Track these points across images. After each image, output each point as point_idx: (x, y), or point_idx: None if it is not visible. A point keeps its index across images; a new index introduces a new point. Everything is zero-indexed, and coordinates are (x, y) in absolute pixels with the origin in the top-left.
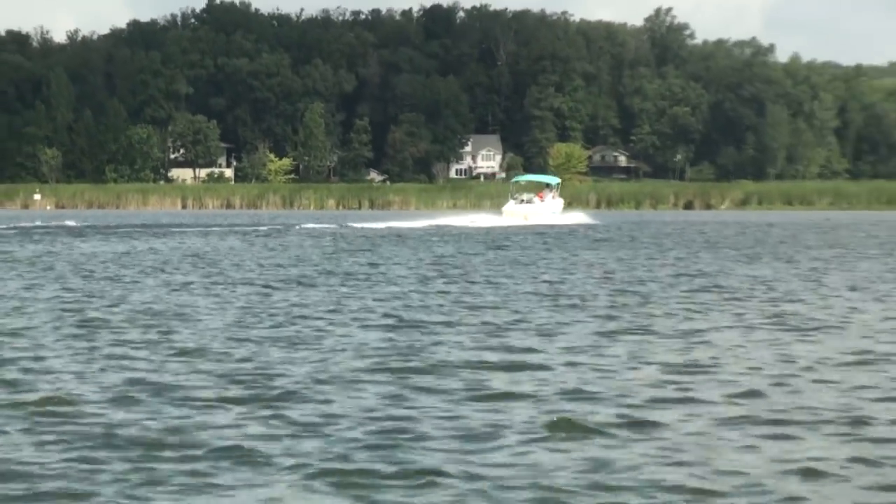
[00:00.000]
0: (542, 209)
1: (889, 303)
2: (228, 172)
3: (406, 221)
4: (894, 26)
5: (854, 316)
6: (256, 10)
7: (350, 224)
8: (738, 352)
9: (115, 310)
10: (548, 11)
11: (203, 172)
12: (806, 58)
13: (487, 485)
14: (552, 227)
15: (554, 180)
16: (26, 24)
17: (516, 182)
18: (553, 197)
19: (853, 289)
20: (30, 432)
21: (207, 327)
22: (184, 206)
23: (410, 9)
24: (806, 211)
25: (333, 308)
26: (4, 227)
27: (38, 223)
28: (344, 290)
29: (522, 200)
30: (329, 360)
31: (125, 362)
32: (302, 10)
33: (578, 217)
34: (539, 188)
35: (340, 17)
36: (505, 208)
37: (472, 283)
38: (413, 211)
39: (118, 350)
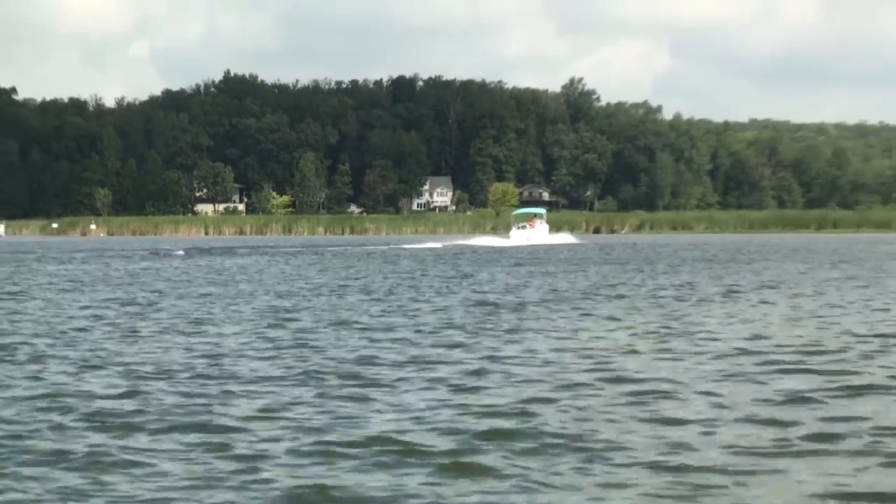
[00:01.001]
0: (537, 233)
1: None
2: (241, 207)
3: (440, 242)
4: (753, 92)
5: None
6: (262, 80)
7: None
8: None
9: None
10: (487, 80)
11: (221, 207)
12: (686, 116)
13: None
14: (550, 245)
15: (541, 211)
16: (84, 92)
17: (516, 214)
18: (541, 223)
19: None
20: None
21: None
22: (206, 234)
23: (381, 79)
24: (686, 234)
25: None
26: (140, 251)
27: (169, 248)
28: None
29: (522, 227)
30: None
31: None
32: (297, 80)
33: (567, 238)
34: (529, 218)
35: (327, 86)
36: (511, 233)
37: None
38: (440, 235)
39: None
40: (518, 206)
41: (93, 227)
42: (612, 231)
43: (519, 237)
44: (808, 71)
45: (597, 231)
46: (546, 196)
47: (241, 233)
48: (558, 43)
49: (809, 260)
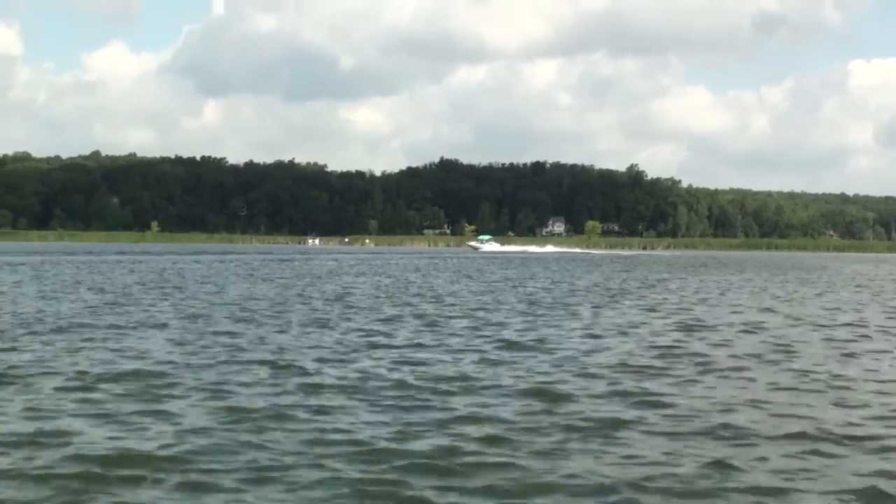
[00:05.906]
0: (487, 246)
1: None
2: (448, 231)
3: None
4: (732, 172)
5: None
6: (460, 161)
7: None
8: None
9: None
10: (585, 164)
11: (437, 231)
12: (695, 185)
13: None
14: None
15: (487, 237)
16: (364, 167)
17: (479, 239)
18: (486, 243)
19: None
20: None
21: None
22: (427, 246)
23: (527, 163)
24: (693, 251)
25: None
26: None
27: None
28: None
29: (478, 243)
30: None
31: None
32: (480, 162)
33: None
34: (483, 241)
35: (497, 166)
36: (482, 246)
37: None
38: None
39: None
40: (482, 234)
41: (367, 241)
42: (652, 248)
43: (485, 248)
44: (763, 160)
45: (643, 248)
46: (616, 228)
47: (447, 245)
48: (625, 143)
49: (743, 266)
